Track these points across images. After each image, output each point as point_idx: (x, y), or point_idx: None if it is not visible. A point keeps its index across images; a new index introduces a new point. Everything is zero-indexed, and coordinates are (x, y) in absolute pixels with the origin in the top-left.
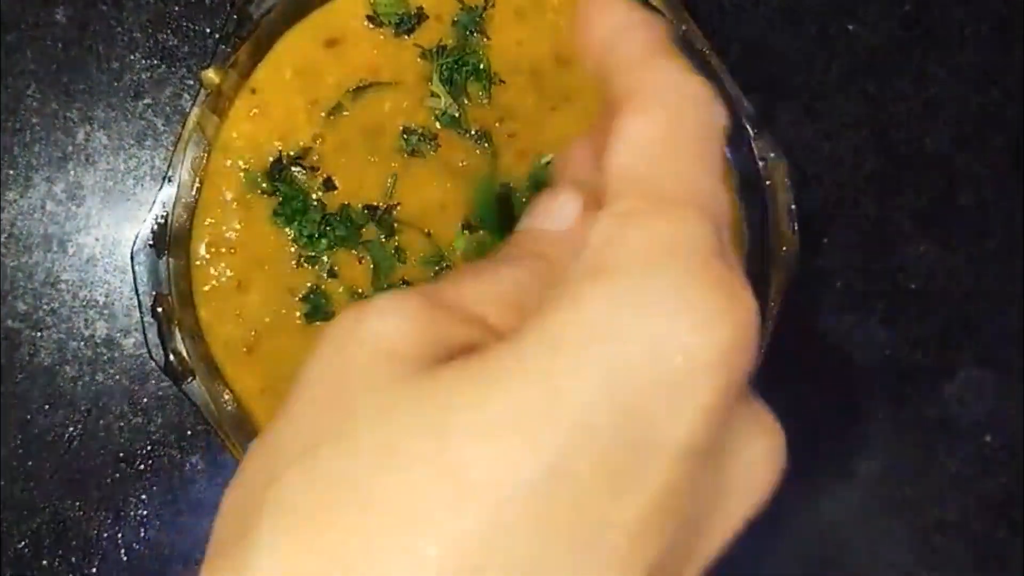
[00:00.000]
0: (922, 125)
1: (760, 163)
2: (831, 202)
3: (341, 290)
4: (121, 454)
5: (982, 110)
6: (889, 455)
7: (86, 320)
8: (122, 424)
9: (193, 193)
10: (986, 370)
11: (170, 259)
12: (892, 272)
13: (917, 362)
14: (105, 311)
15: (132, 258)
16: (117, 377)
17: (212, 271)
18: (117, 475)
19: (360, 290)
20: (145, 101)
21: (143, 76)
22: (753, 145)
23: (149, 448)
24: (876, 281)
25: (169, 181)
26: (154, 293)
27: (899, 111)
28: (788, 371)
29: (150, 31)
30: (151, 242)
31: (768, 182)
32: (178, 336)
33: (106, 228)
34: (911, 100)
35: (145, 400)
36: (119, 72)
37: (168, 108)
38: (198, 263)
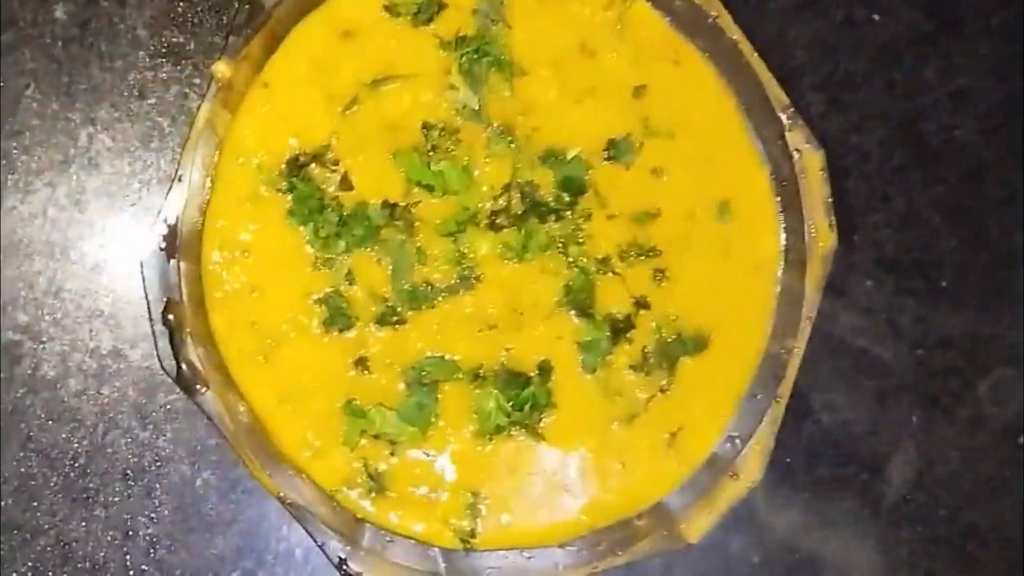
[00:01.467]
0: (949, 116)
1: (794, 155)
2: (860, 197)
3: (360, 293)
4: (129, 471)
5: (1009, 100)
6: (921, 458)
7: (91, 331)
8: (129, 439)
9: (204, 193)
10: (1020, 369)
11: (181, 263)
12: (923, 269)
13: (949, 361)
14: (111, 321)
15: (141, 263)
16: (124, 390)
17: (225, 276)
18: (125, 493)
19: (379, 295)
20: (150, 101)
21: (148, 75)
22: (786, 136)
23: (158, 464)
24: (907, 278)
25: (179, 181)
26: (164, 300)
27: (926, 102)
28: (817, 373)
29: (154, 28)
30: (161, 245)
31: (802, 175)
32: (190, 345)
33: (111, 234)
34: (937, 91)
35: (154, 413)
36: (122, 71)
37: (174, 108)
38: (210, 267)
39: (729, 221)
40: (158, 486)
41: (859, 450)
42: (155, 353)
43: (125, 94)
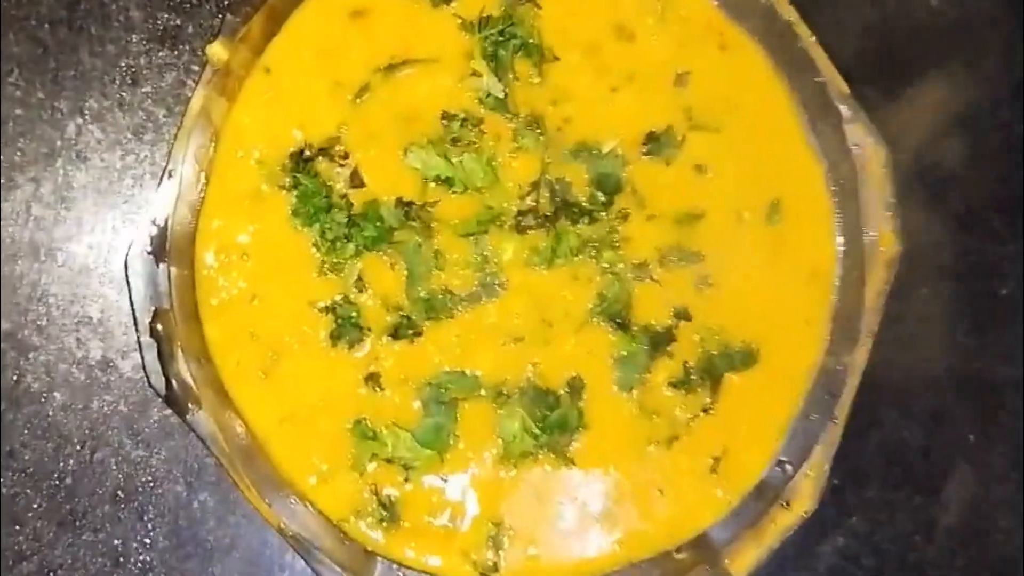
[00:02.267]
0: (1010, 110)
1: (854, 150)
2: (916, 197)
3: (371, 302)
4: (120, 491)
5: None
6: (978, 475)
7: (78, 339)
8: (120, 457)
9: (198, 190)
10: None
11: (171, 268)
12: (981, 275)
13: (1008, 376)
14: (100, 329)
15: (126, 267)
16: (114, 404)
17: (221, 282)
18: (115, 515)
19: (392, 303)
20: (144, 89)
21: (141, 60)
22: (845, 130)
23: (151, 484)
24: (964, 284)
25: (170, 176)
26: (153, 308)
27: (984, 95)
28: (866, 388)
29: (149, 9)
30: (149, 248)
31: (862, 173)
32: (181, 358)
33: (100, 234)
34: (997, 83)
35: (147, 430)
36: (114, 56)
37: (170, 97)
38: (205, 272)
39: (780, 223)
40: (151, 508)
41: (912, 471)
42: (136, 377)
43: (116, 81)
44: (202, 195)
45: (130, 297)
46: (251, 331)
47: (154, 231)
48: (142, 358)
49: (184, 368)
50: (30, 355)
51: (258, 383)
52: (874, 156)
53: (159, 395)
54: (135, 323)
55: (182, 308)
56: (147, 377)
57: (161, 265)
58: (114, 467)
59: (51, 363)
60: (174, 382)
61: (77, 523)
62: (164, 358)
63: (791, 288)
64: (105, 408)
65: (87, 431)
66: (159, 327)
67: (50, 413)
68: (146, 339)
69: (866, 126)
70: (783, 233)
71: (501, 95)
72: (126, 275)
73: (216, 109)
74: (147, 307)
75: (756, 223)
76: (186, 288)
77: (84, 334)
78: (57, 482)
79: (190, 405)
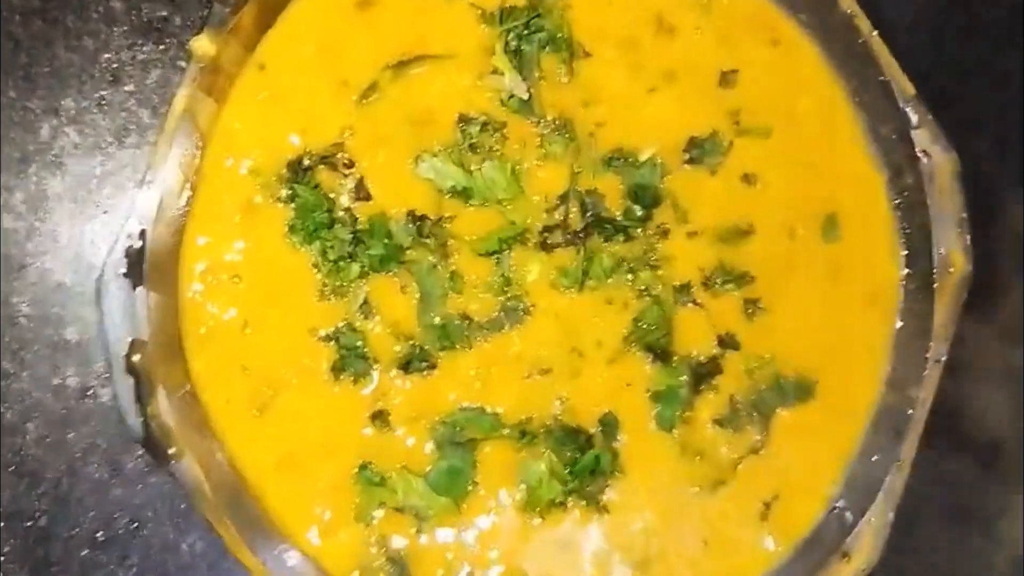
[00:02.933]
0: None
1: (922, 159)
2: (981, 209)
3: (379, 330)
4: (99, 534)
5: None
6: None
7: (54, 365)
8: (100, 495)
9: (182, 203)
10: None
11: (150, 292)
12: None
13: None
14: (77, 353)
15: (98, 292)
16: (93, 437)
17: (209, 308)
18: (94, 561)
19: (403, 331)
20: (126, 88)
21: (123, 56)
22: (911, 136)
23: (135, 526)
24: None
25: (149, 186)
26: (129, 339)
27: None
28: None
29: None
30: (123, 270)
31: (930, 184)
32: (162, 396)
33: (77, 248)
34: None
35: (129, 465)
36: (93, 51)
37: (155, 97)
38: (189, 297)
39: (837, 240)
40: (134, 553)
41: (967, 507)
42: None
43: (96, 79)
44: (187, 208)
45: (102, 326)
46: (243, 364)
47: (131, 250)
48: (116, 397)
49: (165, 408)
50: (2, 383)
51: (251, 423)
52: (943, 165)
53: (135, 439)
54: (108, 356)
55: (163, 338)
56: (123, 417)
57: (139, 289)
58: (93, 506)
59: (24, 391)
60: (153, 424)
61: (52, 568)
62: (142, 396)
63: (850, 313)
64: (83, 441)
65: (63, 466)
66: (137, 360)
67: (23, 447)
68: (121, 375)
69: (934, 132)
70: (841, 251)
71: (525, 96)
72: (97, 300)
73: (203, 111)
74: (123, 337)
75: (811, 240)
76: (168, 315)
77: (59, 360)
78: (30, 523)
79: (171, 451)
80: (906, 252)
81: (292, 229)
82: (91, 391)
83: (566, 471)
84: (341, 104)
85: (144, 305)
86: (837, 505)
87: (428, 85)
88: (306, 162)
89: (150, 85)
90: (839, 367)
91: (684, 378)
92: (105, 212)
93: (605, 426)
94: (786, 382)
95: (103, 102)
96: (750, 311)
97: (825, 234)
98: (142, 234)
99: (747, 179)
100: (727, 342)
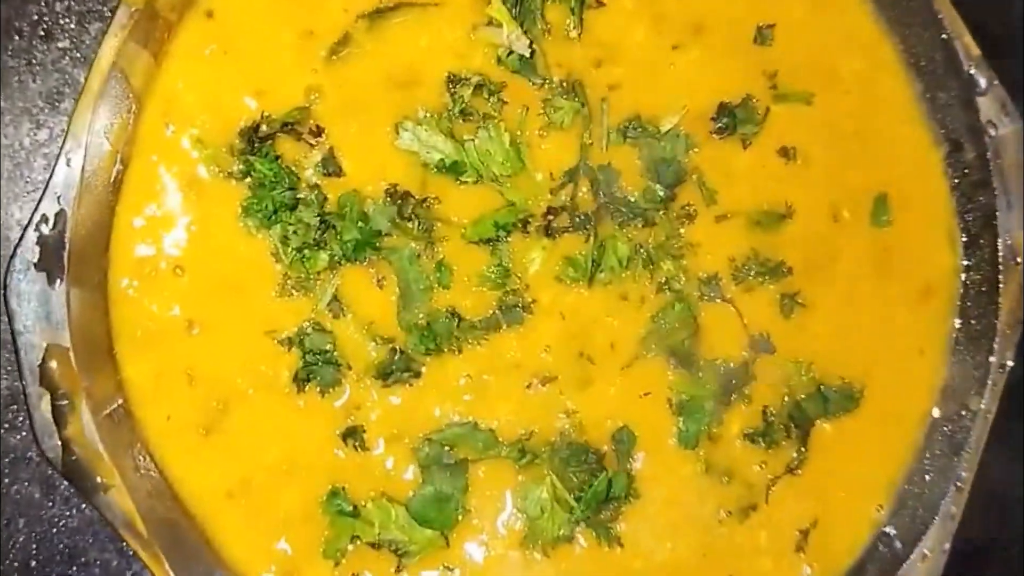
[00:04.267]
0: None
1: (987, 130)
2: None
3: (351, 331)
4: (33, 562)
5: None
6: None
7: None
8: (32, 517)
9: (111, 179)
10: None
11: (72, 288)
12: None
13: None
14: (3, 354)
15: (4, 289)
16: (24, 448)
17: (146, 305)
18: None
19: (380, 332)
20: (60, 44)
21: (56, 7)
22: (977, 103)
23: (72, 552)
24: None
25: (68, 158)
26: (44, 345)
27: None
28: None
29: None
30: (35, 260)
31: (996, 160)
32: (86, 414)
33: (6, 231)
34: None
35: (63, 484)
36: (21, 2)
37: (95, 54)
38: (121, 293)
39: (888, 224)
40: None
41: (1012, 517)
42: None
43: (24, 35)
44: (117, 186)
45: (11, 330)
46: (188, 372)
47: (45, 236)
48: (28, 414)
49: (90, 428)
50: None
51: (197, 444)
52: (1011, 138)
53: (53, 467)
54: (19, 367)
55: (88, 343)
56: (36, 441)
57: (57, 284)
58: (24, 530)
59: None
60: (74, 448)
61: None
62: (59, 414)
63: (901, 310)
64: (11, 454)
65: None
66: (54, 369)
67: None
68: (35, 388)
69: (1002, 99)
70: (891, 237)
71: (527, 52)
72: (4, 299)
73: (137, 67)
74: (36, 343)
75: (857, 224)
76: (94, 315)
77: None
78: None
79: (99, 479)
80: (966, 239)
81: (246, 211)
82: (22, 397)
83: (573, 497)
84: (306, 60)
85: (62, 303)
86: (885, 532)
87: (411, 38)
88: (263, 130)
89: (87, 42)
90: (888, 372)
91: (711, 387)
92: (35, 189)
93: (619, 443)
94: (828, 390)
95: (33, 61)
96: (787, 308)
97: (874, 218)
98: (59, 217)
99: (785, 153)
100: (760, 344)
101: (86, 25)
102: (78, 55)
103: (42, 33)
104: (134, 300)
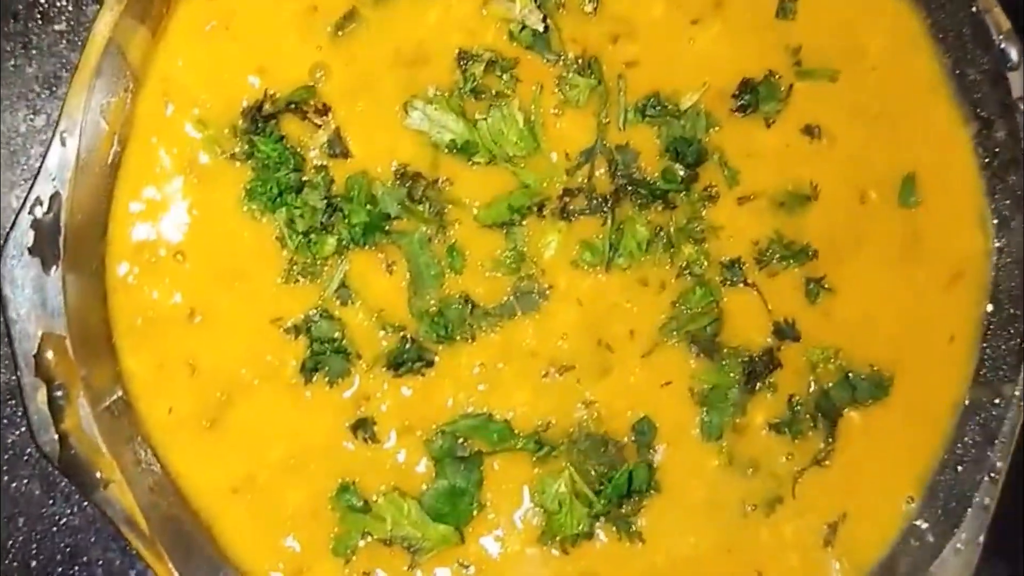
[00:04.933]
0: None
1: (1020, 107)
2: None
3: (360, 318)
4: (34, 562)
5: None
6: None
7: None
8: (32, 516)
9: (108, 160)
10: None
11: (68, 275)
12: None
13: None
14: (4, 349)
15: None
16: (23, 444)
17: (146, 293)
18: None
19: (390, 320)
20: (57, 27)
21: None
22: (1008, 80)
23: (74, 551)
24: None
25: (64, 138)
26: (40, 334)
27: None
28: None
29: None
30: (29, 244)
31: None
32: (83, 406)
33: (3, 219)
34: None
35: (64, 482)
36: None
37: None
38: (120, 280)
39: (916, 205)
40: None
41: None
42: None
43: (20, 18)
44: (114, 168)
45: (5, 318)
46: (190, 363)
47: (40, 220)
48: (24, 408)
49: (88, 421)
50: None
51: (201, 437)
52: None
53: (51, 463)
54: (14, 357)
55: (85, 332)
56: (32, 436)
57: (53, 270)
58: (24, 528)
59: None
60: (72, 441)
61: None
62: (56, 407)
63: (930, 292)
64: (10, 450)
65: None
66: (50, 359)
67: None
68: (30, 379)
69: None
70: (919, 219)
71: (541, 27)
72: None
73: (134, 44)
74: (32, 332)
75: (884, 206)
76: (92, 303)
77: None
78: None
79: (98, 475)
80: (997, 220)
81: (250, 194)
82: (20, 390)
83: (593, 490)
84: (311, 36)
85: (58, 290)
86: (917, 525)
87: (420, 13)
88: (267, 109)
89: (85, 24)
90: (918, 359)
91: (735, 375)
92: (32, 176)
93: (639, 435)
94: (856, 377)
95: (29, 45)
96: (813, 292)
97: (901, 198)
98: (54, 200)
99: (809, 131)
100: (785, 330)
101: (83, 7)
102: (76, 38)
103: (39, 15)
104: (133, 287)
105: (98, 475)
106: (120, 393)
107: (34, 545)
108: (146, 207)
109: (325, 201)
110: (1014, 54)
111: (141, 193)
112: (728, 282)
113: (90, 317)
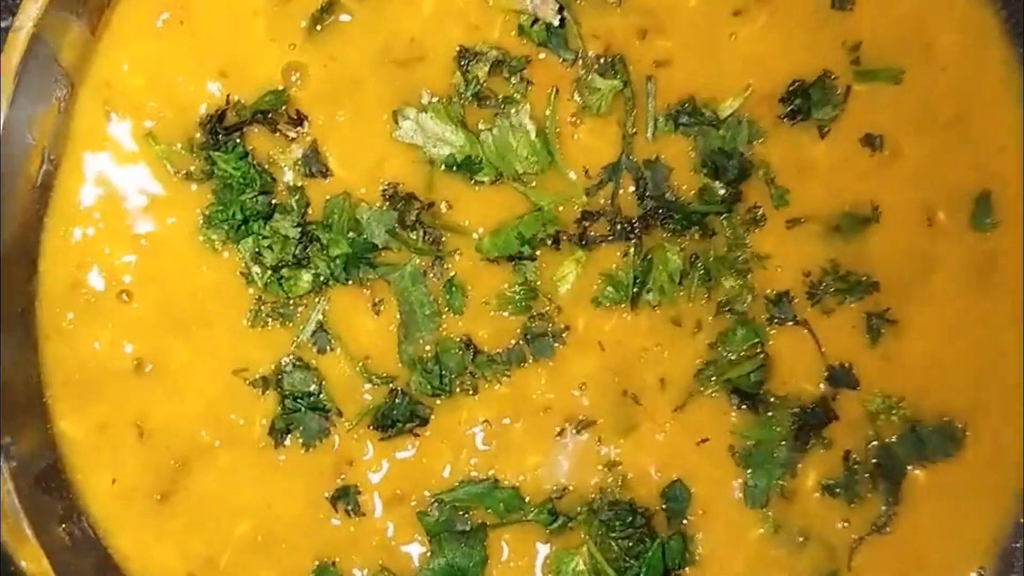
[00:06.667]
0: None
1: None
2: None
3: (341, 366)
4: None
5: None
6: None
7: None
8: None
9: (35, 182)
10: None
11: None
12: None
13: None
14: None
15: None
16: None
17: (85, 341)
18: None
19: (377, 370)
20: (5, 23)
21: None
22: None
23: None
24: None
25: None
26: None
27: None
28: None
29: None
30: None
31: None
32: (6, 480)
33: None
34: None
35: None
36: None
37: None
38: (53, 323)
39: (991, 228)
40: None
41: None
42: None
43: None
44: (45, 190)
45: None
46: (138, 424)
47: None
48: None
49: (12, 498)
50: None
51: (151, 512)
52: None
53: None
54: None
55: (10, 390)
56: None
57: None
58: None
59: None
60: None
61: None
62: None
63: (1009, 329)
64: None
65: None
66: None
67: None
68: None
69: None
70: (995, 243)
71: (556, 21)
72: None
73: (66, 41)
74: None
75: (955, 229)
76: (18, 355)
77: None
78: None
79: (23, 565)
80: None
81: (209, 220)
82: None
83: (617, 567)
84: (282, 32)
85: None
86: None
87: (413, 3)
88: (230, 119)
89: (3, 16)
90: (993, 408)
91: (782, 430)
92: None
93: (671, 501)
94: (923, 430)
95: None
96: (874, 331)
97: (974, 220)
98: None
99: (870, 142)
100: (841, 376)
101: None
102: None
103: None
104: (70, 334)
105: (23, 565)
106: (51, 460)
107: None
108: (84, 238)
109: (299, 229)
110: None
111: (78, 221)
112: (775, 320)
113: (16, 371)
